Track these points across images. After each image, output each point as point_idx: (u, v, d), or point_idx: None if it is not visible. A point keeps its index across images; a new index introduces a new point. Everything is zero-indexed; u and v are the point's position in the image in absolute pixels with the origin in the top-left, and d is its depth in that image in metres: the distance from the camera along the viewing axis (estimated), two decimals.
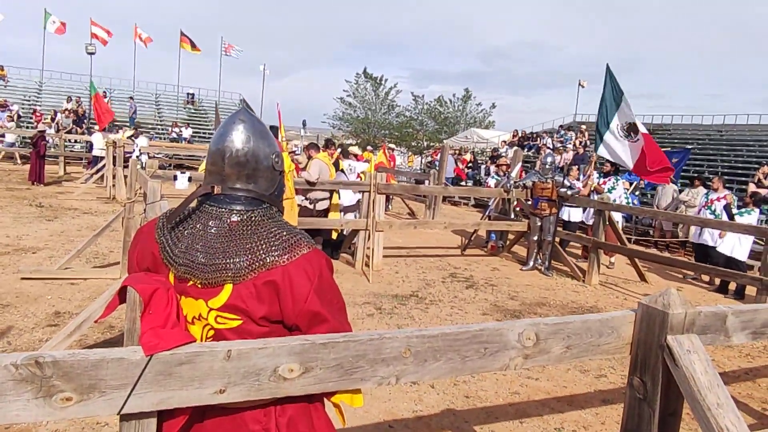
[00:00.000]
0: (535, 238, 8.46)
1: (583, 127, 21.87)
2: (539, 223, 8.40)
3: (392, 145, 24.19)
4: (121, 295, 1.43)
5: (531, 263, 8.55)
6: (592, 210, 8.95)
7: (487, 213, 10.08)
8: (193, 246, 1.48)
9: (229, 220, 1.50)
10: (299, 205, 7.79)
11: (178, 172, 6.36)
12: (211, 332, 1.46)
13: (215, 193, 1.53)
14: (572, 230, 9.81)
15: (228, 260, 1.44)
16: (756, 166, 14.90)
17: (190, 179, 6.17)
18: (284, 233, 1.50)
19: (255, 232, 1.50)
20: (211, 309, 1.45)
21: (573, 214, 9.96)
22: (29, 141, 14.94)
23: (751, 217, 8.44)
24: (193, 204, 1.58)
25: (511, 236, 9.69)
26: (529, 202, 8.65)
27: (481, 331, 1.71)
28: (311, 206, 7.80)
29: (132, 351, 1.28)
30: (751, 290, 7.32)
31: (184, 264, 1.47)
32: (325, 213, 7.99)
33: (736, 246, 8.04)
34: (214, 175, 1.56)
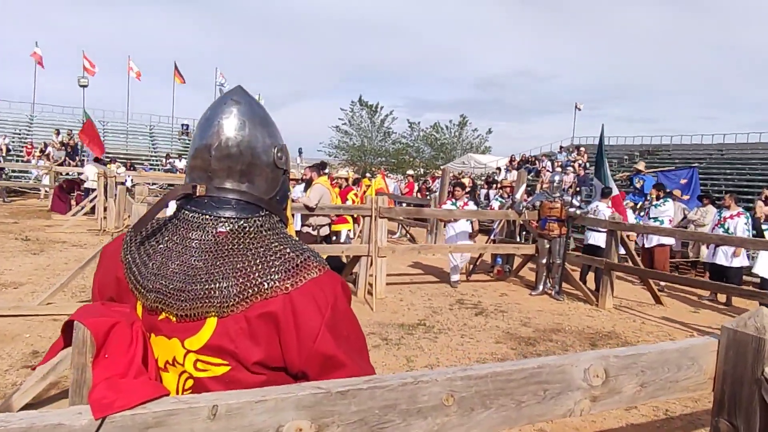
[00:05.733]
0: (544, 261, 8.10)
1: (583, 149, 21.72)
2: (548, 245, 8.05)
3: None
4: (67, 335, 1.06)
5: (540, 287, 8.18)
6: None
7: (492, 236, 9.73)
8: (166, 265, 1.13)
9: (214, 231, 1.15)
10: (300, 232, 7.45)
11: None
12: (190, 382, 1.09)
13: (198, 194, 1.18)
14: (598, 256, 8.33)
15: (212, 285, 1.08)
16: (760, 183, 14.69)
17: None
18: (288, 250, 1.15)
19: (249, 247, 1.14)
20: (188, 351, 1.08)
21: (598, 238, 8.61)
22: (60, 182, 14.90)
23: None
24: (171, 210, 1.23)
25: (518, 260, 9.33)
26: (534, 225, 8.32)
27: (540, 368, 1.34)
28: (314, 232, 7.46)
29: (75, 414, 0.91)
30: None
31: (155, 290, 1.11)
32: (327, 239, 7.63)
33: None
34: (198, 171, 1.20)
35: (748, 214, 8.71)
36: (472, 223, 8.89)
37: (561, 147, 25.20)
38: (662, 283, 8.71)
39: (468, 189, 11.60)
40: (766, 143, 20.55)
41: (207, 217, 1.16)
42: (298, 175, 14.69)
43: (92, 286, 1.32)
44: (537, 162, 21.93)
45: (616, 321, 7.04)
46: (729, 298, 8.40)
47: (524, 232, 10.73)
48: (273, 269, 1.11)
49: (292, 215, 6.85)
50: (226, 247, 1.13)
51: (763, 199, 12.45)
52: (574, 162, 19.95)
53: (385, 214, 7.49)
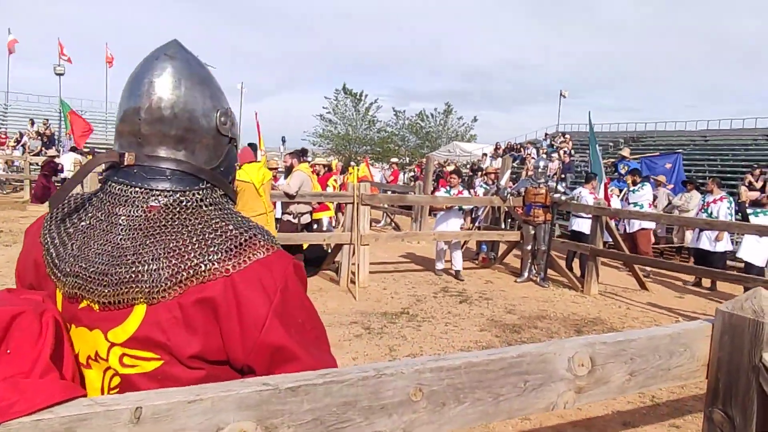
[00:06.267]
0: (529, 247, 8.01)
1: (567, 136, 21.69)
2: (533, 232, 7.96)
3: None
4: None
5: (526, 274, 8.10)
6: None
7: (477, 223, 9.62)
8: (88, 246, 0.97)
9: (145, 206, 0.99)
10: (281, 220, 7.28)
11: None
12: (116, 380, 0.95)
13: (126, 164, 1.02)
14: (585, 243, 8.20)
15: (140, 267, 0.93)
16: (743, 169, 14.74)
17: None
18: (231, 227, 1.00)
19: (185, 224, 0.99)
20: (112, 344, 0.94)
21: (582, 224, 8.57)
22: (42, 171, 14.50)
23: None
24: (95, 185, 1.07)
25: (503, 246, 9.24)
26: (519, 211, 8.21)
27: (520, 357, 1.21)
28: (295, 220, 7.28)
29: None
30: None
31: (74, 273, 0.96)
32: (308, 227, 7.46)
33: (756, 249, 7.60)
34: (127, 137, 1.05)
35: (730, 199, 8.68)
36: (464, 212, 8.81)
37: (546, 134, 25.16)
38: (647, 269, 8.68)
39: (466, 177, 11.50)
40: (749, 129, 20.73)
41: (137, 189, 1.01)
42: (280, 164, 14.48)
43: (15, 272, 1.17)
44: (522, 149, 21.86)
45: (602, 307, 6.98)
46: (713, 283, 8.39)
47: (509, 219, 10.63)
48: (212, 248, 0.96)
49: (273, 203, 6.67)
50: (158, 224, 0.98)
51: (747, 184, 12.50)
52: (559, 149, 19.91)
53: (368, 201, 7.34)
